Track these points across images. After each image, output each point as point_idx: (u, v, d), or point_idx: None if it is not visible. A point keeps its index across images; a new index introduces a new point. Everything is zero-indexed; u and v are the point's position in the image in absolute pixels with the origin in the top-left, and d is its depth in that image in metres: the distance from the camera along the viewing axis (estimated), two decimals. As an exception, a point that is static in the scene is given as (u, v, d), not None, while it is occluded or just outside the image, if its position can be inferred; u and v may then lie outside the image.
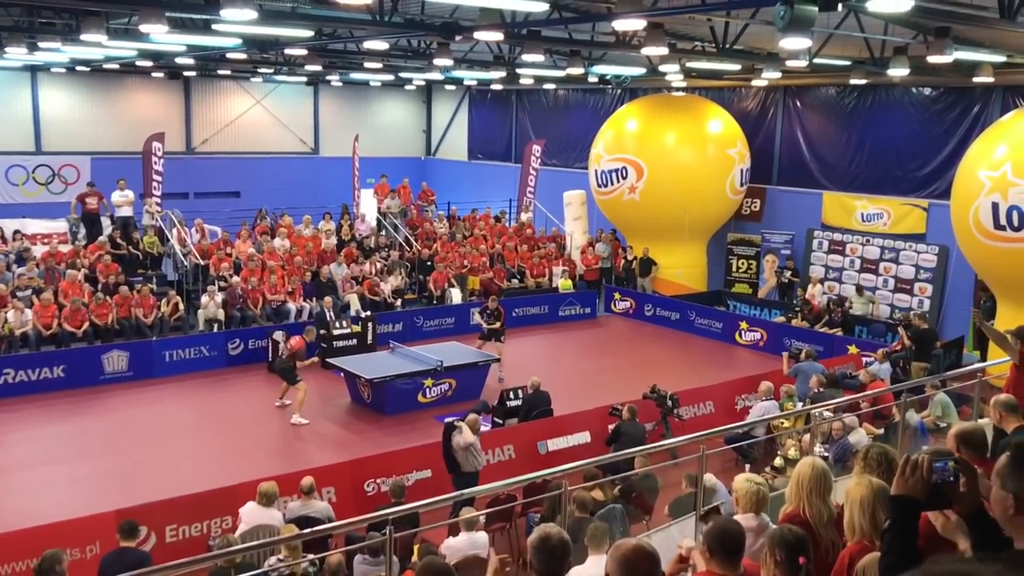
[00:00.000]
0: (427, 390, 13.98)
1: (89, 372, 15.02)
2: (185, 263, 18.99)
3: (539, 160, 25.68)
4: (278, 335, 15.27)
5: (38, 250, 18.67)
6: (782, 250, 21.41)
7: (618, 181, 21.38)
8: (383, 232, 22.76)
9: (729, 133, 21.12)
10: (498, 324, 15.28)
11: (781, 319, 18.77)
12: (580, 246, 23.19)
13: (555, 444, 11.66)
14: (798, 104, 21.54)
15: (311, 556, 7.27)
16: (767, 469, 10.44)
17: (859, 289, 19.38)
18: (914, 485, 2.62)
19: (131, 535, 7.61)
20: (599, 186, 21.91)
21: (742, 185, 21.54)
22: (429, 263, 20.92)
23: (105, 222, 20.01)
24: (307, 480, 8.75)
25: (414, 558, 7.19)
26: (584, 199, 23.82)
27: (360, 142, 25.71)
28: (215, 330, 16.88)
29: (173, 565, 5.30)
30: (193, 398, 14.64)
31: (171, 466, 11.49)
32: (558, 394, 12.92)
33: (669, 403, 11.91)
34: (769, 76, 16.90)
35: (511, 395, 12.49)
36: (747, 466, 10.66)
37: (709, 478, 7.93)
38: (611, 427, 10.97)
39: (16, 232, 19.60)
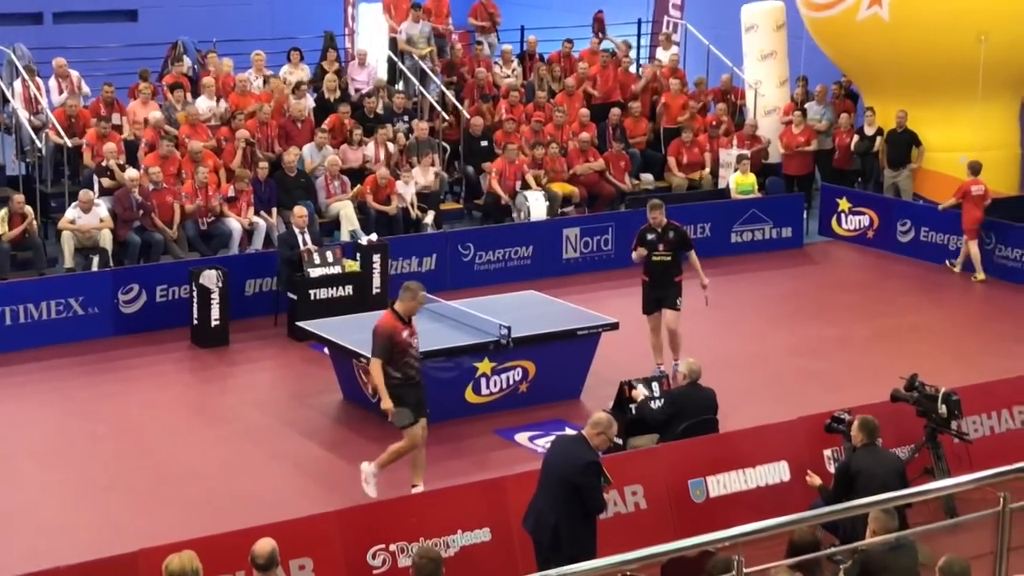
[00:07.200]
0: (482, 381, 14.42)
1: None
2: (39, 143, 19.16)
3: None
4: (208, 278, 15.92)
5: None
6: None
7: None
8: (400, 86, 22.65)
9: None
10: (676, 276, 15.36)
11: None
12: (774, 110, 23.00)
13: (722, 484, 11.99)
14: None
15: None
16: None
17: None
18: None
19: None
20: (813, -7, 22.35)
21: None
22: (486, 143, 21.10)
23: None
24: (264, 546, 8.85)
25: None
26: (782, 19, 23.32)
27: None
28: (95, 268, 17.25)
29: None
30: (56, 395, 15.07)
31: (16, 519, 11.88)
32: (729, 391, 13.31)
33: (942, 410, 12.10)
34: None
35: (642, 391, 12.93)
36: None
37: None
38: (834, 458, 11.59)
39: None
